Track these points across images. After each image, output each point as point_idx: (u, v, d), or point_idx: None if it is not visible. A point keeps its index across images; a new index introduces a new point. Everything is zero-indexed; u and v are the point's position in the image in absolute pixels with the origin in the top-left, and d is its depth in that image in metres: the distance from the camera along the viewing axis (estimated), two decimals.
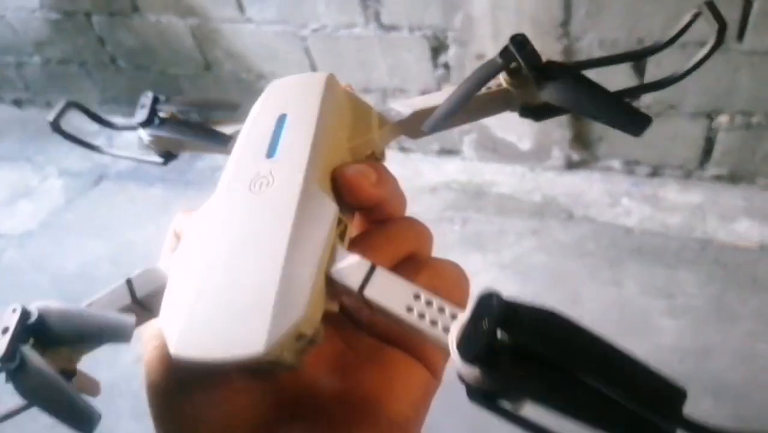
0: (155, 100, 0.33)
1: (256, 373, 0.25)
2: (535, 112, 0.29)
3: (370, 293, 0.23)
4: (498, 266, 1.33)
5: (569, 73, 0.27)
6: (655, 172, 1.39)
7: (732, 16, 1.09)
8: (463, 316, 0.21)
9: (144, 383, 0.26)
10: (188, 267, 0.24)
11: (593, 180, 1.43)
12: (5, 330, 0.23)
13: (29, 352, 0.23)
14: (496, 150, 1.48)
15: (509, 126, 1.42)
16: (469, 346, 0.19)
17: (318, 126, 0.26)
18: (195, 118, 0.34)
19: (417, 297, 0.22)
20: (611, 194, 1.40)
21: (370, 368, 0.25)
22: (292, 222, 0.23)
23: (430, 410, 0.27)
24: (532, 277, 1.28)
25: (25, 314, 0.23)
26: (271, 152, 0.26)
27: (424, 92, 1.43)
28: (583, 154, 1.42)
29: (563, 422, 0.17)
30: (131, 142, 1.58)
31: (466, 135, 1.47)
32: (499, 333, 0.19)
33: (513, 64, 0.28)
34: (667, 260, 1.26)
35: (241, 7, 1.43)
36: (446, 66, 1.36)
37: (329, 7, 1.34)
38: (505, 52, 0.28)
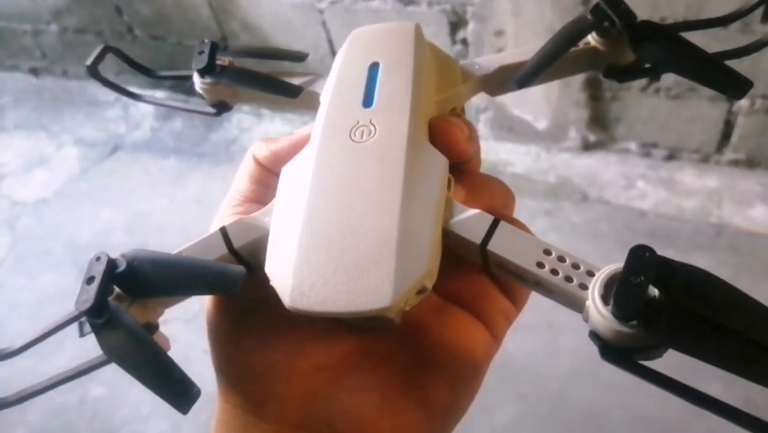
0: (214, 47, 0.31)
1: (351, 327, 0.24)
2: (621, 73, 0.28)
3: (495, 247, 0.22)
4: None
5: (667, 33, 0.27)
6: (672, 155, 1.38)
7: None
8: (604, 272, 0.20)
9: (206, 325, 0.26)
10: (293, 217, 0.23)
11: (609, 162, 1.42)
12: (90, 279, 0.21)
13: (118, 306, 0.21)
14: (512, 129, 1.47)
15: (526, 105, 1.41)
16: (626, 303, 0.18)
17: (414, 76, 0.26)
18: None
19: (547, 252, 0.22)
20: (627, 177, 1.39)
21: (435, 322, 0.25)
22: (403, 173, 0.23)
23: None
24: None
25: (111, 263, 0.22)
26: (368, 101, 0.25)
27: None
28: (600, 135, 1.41)
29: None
30: (147, 112, 1.57)
31: (482, 113, 1.46)
32: (650, 289, 0.18)
33: (605, 22, 0.27)
34: (681, 244, 1.25)
35: None
36: (464, 42, 1.35)
37: None
38: (596, 10, 0.27)
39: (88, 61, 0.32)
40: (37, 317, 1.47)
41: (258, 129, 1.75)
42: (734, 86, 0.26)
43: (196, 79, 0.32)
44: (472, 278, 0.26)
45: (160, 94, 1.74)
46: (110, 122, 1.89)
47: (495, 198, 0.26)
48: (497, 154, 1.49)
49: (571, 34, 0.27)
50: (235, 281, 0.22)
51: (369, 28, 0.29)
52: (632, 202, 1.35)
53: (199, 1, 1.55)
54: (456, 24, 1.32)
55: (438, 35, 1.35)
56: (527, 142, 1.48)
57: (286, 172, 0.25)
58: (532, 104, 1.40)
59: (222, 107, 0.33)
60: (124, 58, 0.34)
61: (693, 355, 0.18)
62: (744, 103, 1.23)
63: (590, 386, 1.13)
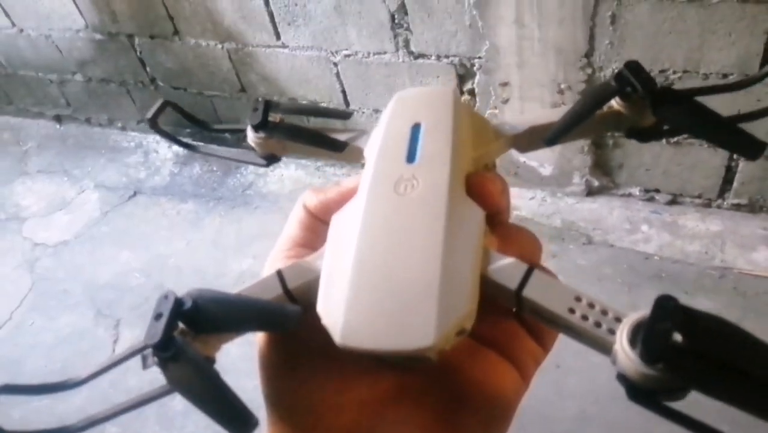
0: (268, 105, 0.33)
1: (391, 363, 0.26)
2: (642, 134, 0.31)
3: (529, 293, 0.24)
4: None
5: (685, 99, 0.29)
6: (675, 200, 1.41)
7: (755, 48, 1.11)
8: (631, 319, 0.21)
9: (257, 361, 0.28)
10: (344, 262, 0.25)
11: (613, 206, 1.45)
12: (158, 316, 0.23)
13: (184, 341, 0.23)
14: (518, 174, 1.51)
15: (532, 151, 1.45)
16: (652, 346, 0.20)
17: (453, 135, 0.28)
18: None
19: (578, 299, 0.23)
20: (631, 221, 1.42)
21: (468, 363, 0.27)
22: (444, 223, 0.25)
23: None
24: None
25: (178, 302, 0.23)
26: (411, 158, 0.28)
27: None
28: (604, 180, 1.45)
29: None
30: (167, 158, 1.63)
31: None
32: (674, 336, 0.20)
33: (628, 89, 0.29)
34: (685, 287, 1.27)
35: (276, 33, 1.49)
36: (472, 92, 1.40)
37: (361, 34, 1.40)
38: (619, 77, 0.29)
39: (149, 115, 0.35)
40: (54, 358, 1.50)
41: (273, 174, 1.80)
42: (749, 148, 0.28)
43: (250, 133, 0.34)
44: (503, 322, 0.27)
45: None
46: (131, 168, 1.95)
47: (525, 247, 0.28)
48: None
49: (597, 99, 0.30)
50: (292, 319, 0.24)
51: (411, 91, 0.32)
52: (636, 246, 1.38)
53: (220, 55, 1.63)
54: (464, 75, 1.38)
55: (446, 86, 1.40)
56: (533, 187, 1.52)
57: (336, 221, 0.27)
58: (538, 151, 1.44)
59: (272, 159, 0.35)
60: (181, 112, 0.36)
61: (713, 396, 0.19)
62: None
63: (597, 428, 1.14)
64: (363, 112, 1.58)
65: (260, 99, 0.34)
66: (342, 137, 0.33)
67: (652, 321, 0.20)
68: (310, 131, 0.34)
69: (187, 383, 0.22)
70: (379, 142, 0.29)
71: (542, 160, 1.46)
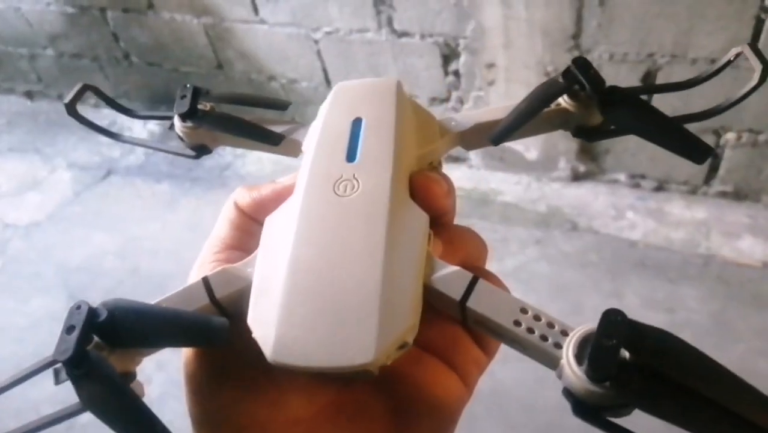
0: (196, 92, 0.31)
1: (329, 378, 0.24)
2: (590, 133, 0.30)
3: (474, 304, 0.23)
4: (500, 274, 1.30)
5: (633, 99, 0.28)
6: (661, 186, 1.40)
7: (744, 34, 1.09)
8: (578, 333, 0.21)
9: (182, 375, 0.25)
10: (277, 270, 0.23)
11: (598, 192, 1.44)
12: (70, 329, 0.21)
13: (99, 356, 0.21)
14: (503, 159, 1.49)
15: None
16: (600, 365, 0.19)
17: (396, 132, 0.27)
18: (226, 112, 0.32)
19: (524, 311, 0.22)
20: (616, 207, 1.41)
21: (410, 371, 0.25)
22: (386, 229, 0.23)
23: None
24: (534, 286, 1.29)
25: (92, 313, 0.21)
26: (351, 156, 0.26)
27: (433, 99, 1.44)
28: (590, 166, 1.43)
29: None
30: (142, 137, 1.58)
31: None
32: (621, 352, 0.19)
33: (575, 86, 0.28)
34: (669, 275, 1.26)
35: (255, 8, 1.44)
36: (456, 74, 1.37)
37: (342, 11, 1.35)
38: (567, 74, 0.28)
39: (66, 100, 0.32)
40: (27, 341, 1.46)
41: (252, 155, 1.76)
42: (695, 152, 0.28)
43: (177, 122, 0.32)
44: (446, 328, 0.26)
45: (140, 128, 1.76)
46: (104, 146, 1.90)
47: (471, 250, 0.27)
48: (488, 183, 1.51)
49: (544, 96, 0.28)
50: (219, 334, 0.22)
51: (353, 83, 0.30)
52: (621, 233, 1.36)
53: (196, 30, 1.57)
54: (448, 56, 1.35)
55: (431, 67, 1.37)
56: (518, 172, 1.50)
57: (270, 223, 0.26)
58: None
59: (202, 150, 0.33)
60: (102, 97, 0.34)
61: (660, 416, 0.19)
62: (730, 136, 1.25)
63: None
64: None
65: (188, 85, 0.31)
66: (279, 129, 0.31)
67: (599, 337, 0.19)
68: (243, 122, 0.31)
69: (101, 402, 0.20)
70: (317, 138, 0.27)
71: (527, 145, 1.44)
